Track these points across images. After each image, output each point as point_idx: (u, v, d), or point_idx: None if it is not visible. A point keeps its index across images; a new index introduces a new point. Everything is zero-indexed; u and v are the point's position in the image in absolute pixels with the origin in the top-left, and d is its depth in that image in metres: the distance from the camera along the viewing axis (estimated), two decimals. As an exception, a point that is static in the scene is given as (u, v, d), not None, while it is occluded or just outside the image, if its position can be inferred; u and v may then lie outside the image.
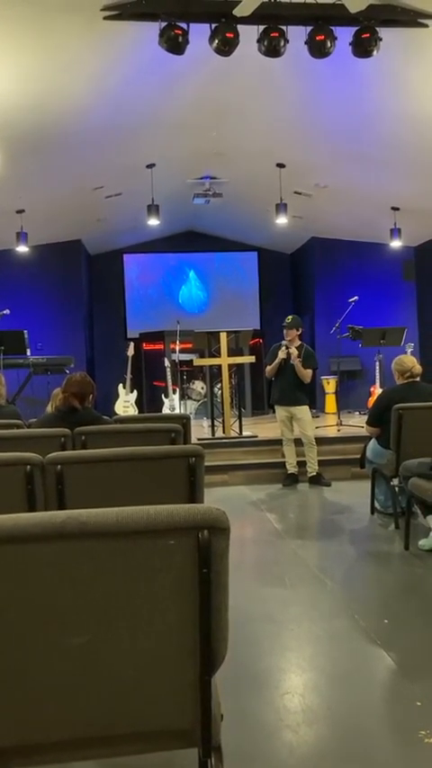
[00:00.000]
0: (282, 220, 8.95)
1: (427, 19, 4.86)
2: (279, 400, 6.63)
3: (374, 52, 4.84)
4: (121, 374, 9.42)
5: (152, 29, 4.83)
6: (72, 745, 1.39)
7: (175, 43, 4.78)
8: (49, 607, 1.30)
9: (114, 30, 5.00)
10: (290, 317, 6.78)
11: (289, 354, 6.50)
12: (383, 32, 4.81)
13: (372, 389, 9.15)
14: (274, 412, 6.95)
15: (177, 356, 9.30)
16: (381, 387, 8.40)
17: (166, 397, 9.30)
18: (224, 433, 7.60)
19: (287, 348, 6.52)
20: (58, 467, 2.34)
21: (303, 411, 6.54)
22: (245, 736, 2.15)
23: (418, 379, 4.89)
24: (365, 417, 5.23)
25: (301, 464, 6.65)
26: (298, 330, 6.64)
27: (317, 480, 6.52)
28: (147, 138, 7.51)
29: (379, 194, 8.88)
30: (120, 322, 12.53)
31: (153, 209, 8.81)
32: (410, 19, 4.86)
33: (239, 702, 2.36)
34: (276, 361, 6.51)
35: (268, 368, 6.67)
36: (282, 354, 6.48)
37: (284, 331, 6.62)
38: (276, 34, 4.73)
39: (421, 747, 2.04)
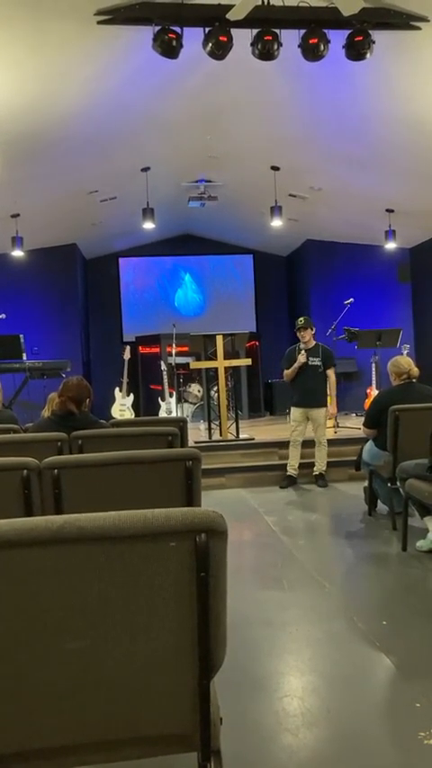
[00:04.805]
0: (277, 223, 8.97)
1: (420, 21, 4.89)
2: (300, 402, 6.62)
3: (368, 55, 4.86)
4: (118, 378, 9.42)
5: (146, 33, 4.85)
6: (70, 750, 1.38)
7: (168, 47, 4.80)
8: (47, 612, 1.29)
9: (108, 34, 5.01)
10: (301, 318, 6.80)
11: (308, 357, 6.55)
12: (376, 35, 4.83)
13: (368, 391, 9.16)
14: (271, 414, 6.95)
15: (174, 359, 9.30)
16: (377, 388, 8.40)
17: (163, 400, 9.29)
18: (221, 435, 7.60)
19: (306, 351, 6.57)
20: (55, 471, 2.33)
21: (323, 412, 6.60)
22: (244, 739, 2.15)
23: (414, 380, 4.90)
24: (362, 419, 5.23)
25: (303, 466, 6.66)
26: (312, 329, 6.67)
27: (319, 478, 6.55)
28: (141, 141, 7.52)
29: (374, 196, 8.90)
30: (116, 326, 12.52)
31: (148, 212, 8.82)
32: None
33: (238, 706, 2.35)
34: (296, 365, 6.55)
35: (287, 371, 6.67)
36: (302, 358, 6.52)
37: (299, 333, 6.65)
38: (270, 38, 4.75)
39: (421, 749, 2.04)
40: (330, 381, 6.62)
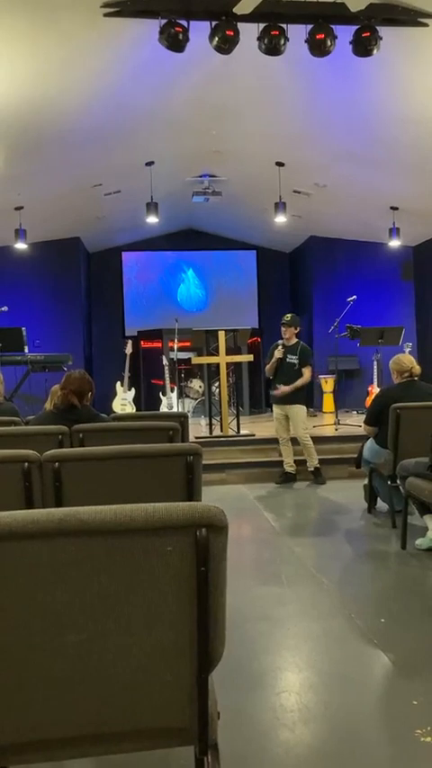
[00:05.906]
0: (280, 219, 8.95)
1: (428, 18, 4.86)
2: (276, 399, 6.66)
3: (374, 51, 4.84)
4: (120, 372, 9.42)
5: (152, 26, 4.83)
6: (69, 742, 1.39)
7: (175, 41, 4.78)
8: (47, 605, 1.30)
9: (114, 27, 4.99)
10: (288, 315, 6.82)
11: (285, 353, 6.54)
12: (383, 31, 4.80)
13: (369, 389, 9.16)
14: (272, 411, 6.98)
15: (175, 354, 9.30)
16: (378, 386, 8.40)
17: (164, 395, 9.29)
18: (222, 431, 7.60)
19: (283, 347, 6.56)
20: (56, 464, 2.33)
21: (296, 410, 6.57)
22: (241, 734, 2.15)
23: (416, 378, 4.90)
24: (363, 417, 5.23)
25: (300, 463, 6.67)
26: (296, 328, 6.67)
27: (316, 475, 6.56)
28: (146, 135, 7.50)
29: (378, 194, 8.88)
30: (118, 320, 12.51)
31: (152, 206, 8.80)
32: (410, 18, 4.86)
33: (236, 701, 2.36)
34: (273, 360, 6.57)
35: (267, 367, 6.75)
36: (278, 354, 6.52)
37: (282, 329, 6.66)
38: (277, 32, 4.73)
39: (417, 746, 2.05)
40: (304, 378, 6.56)
